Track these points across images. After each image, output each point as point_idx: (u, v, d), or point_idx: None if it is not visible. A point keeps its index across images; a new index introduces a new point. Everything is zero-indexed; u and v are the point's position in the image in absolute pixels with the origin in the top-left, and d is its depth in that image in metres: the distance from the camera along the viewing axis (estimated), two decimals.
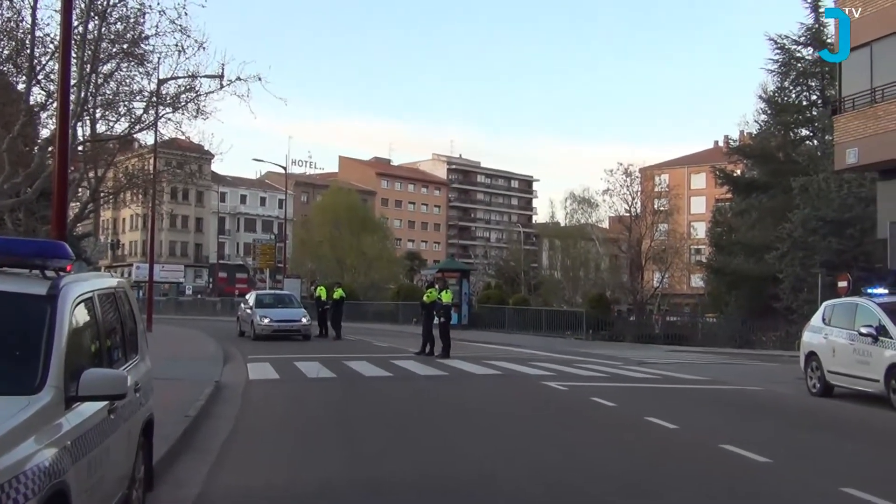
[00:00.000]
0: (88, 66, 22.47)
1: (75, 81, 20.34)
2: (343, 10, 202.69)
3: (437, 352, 25.80)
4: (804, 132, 51.92)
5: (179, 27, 23.31)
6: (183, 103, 26.06)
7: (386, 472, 9.67)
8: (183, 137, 29.24)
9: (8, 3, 21.92)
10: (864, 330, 16.39)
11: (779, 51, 50.25)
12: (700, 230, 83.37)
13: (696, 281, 73.05)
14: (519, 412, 15.02)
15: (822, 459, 10.95)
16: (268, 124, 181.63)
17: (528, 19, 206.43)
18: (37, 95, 23.10)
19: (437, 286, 27.25)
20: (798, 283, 38.69)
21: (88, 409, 5.47)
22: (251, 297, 37.97)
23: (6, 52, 22.21)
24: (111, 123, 26.50)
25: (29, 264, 6.00)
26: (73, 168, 21.35)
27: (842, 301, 19.37)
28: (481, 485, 9.15)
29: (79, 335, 5.79)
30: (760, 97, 52.06)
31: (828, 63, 44.65)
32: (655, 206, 68.08)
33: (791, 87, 50.95)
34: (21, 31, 21.94)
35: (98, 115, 25.82)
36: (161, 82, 26.36)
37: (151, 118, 27.02)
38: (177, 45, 23.87)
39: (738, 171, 55.62)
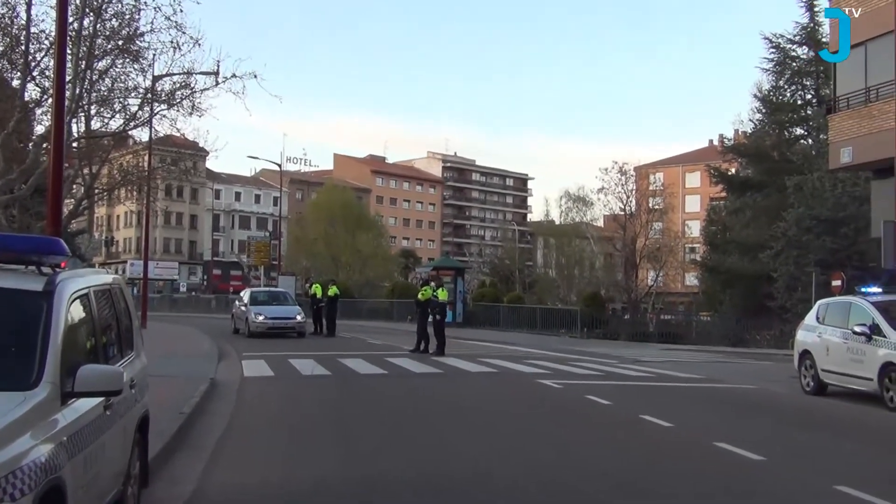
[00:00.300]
0: (83, 62, 22.45)
1: (70, 78, 20.30)
2: (339, 7, 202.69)
3: (431, 349, 25.82)
4: (799, 131, 52.04)
5: (175, 24, 23.32)
6: (178, 100, 26.05)
7: (381, 469, 9.68)
8: (178, 134, 29.23)
9: None
10: (857, 329, 16.43)
11: (774, 50, 50.38)
12: (695, 229, 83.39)
13: (691, 279, 73.17)
14: (514, 410, 15.03)
15: (816, 458, 10.98)
16: (263, 121, 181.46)
17: (525, 18, 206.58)
18: (31, 92, 23.10)
19: (431, 284, 27.28)
20: (792, 282, 38.77)
21: (84, 405, 5.48)
22: (246, 295, 37.99)
23: (1, 48, 22.17)
24: (106, 120, 26.47)
25: (25, 260, 6.01)
26: (67, 165, 21.28)
27: (836, 300, 19.41)
28: (476, 483, 9.15)
29: (75, 331, 5.80)
30: (755, 96, 52.21)
31: (823, 62, 44.74)
32: (650, 205, 68.20)
33: (786, 86, 51.07)
34: (16, 27, 21.92)
35: (93, 112, 25.80)
36: (156, 79, 26.33)
37: (146, 115, 27.03)
38: (172, 42, 23.88)
39: (733, 170, 55.67)
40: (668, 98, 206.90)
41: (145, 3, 23.45)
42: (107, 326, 6.81)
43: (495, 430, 12.67)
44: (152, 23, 23.58)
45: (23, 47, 21.36)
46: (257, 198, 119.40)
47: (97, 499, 5.79)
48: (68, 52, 18.11)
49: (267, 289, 47.11)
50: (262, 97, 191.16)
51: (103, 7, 23.04)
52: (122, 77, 25.18)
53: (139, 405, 7.30)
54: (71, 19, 19.26)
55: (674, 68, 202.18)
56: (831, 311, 18.25)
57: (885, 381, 15.58)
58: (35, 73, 22.13)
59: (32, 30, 21.64)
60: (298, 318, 34.48)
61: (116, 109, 25.92)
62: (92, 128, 26.35)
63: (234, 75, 24.49)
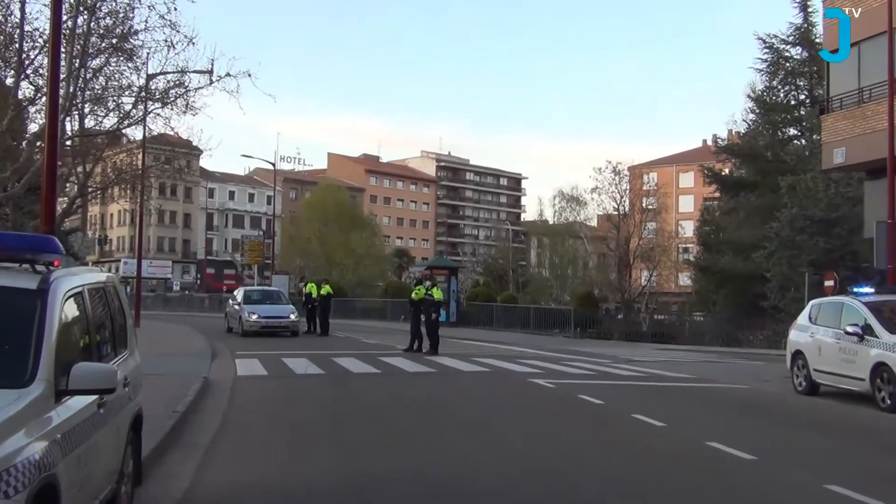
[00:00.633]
0: (77, 60, 22.42)
1: (64, 76, 20.28)
2: (333, 6, 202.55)
3: (425, 349, 25.83)
4: (792, 131, 52.13)
5: (169, 22, 23.32)
6: (172, 99, 26.03)
7: (374, 467, 9.69)
8: (171, 133, 29.18)
9: None
10: (849, 329, 16.46)
11: (767, 50, 50.47)
12: (688, 229, 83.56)
13: (684, 279, 73.25)
14: (506, 409, 15.05)
15: (808, 457, 11.01)
16: (257, 120, 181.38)
17: (519, 18, 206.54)
18: (25, 90, 23.06)
19: (425, 283, 27.29)
20: (785, 282, 38.85)
21: (78, 402, 5.50)
22: (239, 294, 37.95)
23: None
24: (100, 118, 26.42)
25: (19, 259, 6.01)
26: (61, 163, 21.27)
27: (828, 300, 19.47)
28: (469, 481, 9.18)
29: (69, 329, 5.81)
30: (749, 96, 52.29)
31: (816, 63, 44.87)
32: (644, 205, 68.29)
33: (779, 87, 51.15)
34: (9, 25, 21.91)
35: (87, 110, 25.76)
36: (150, 77, 26.32)
37: (140, 113, 26.96)
38: (166, 41, 23.89)
39: (727, 170, 55.79)
40: (661, 98, 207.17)
41: (140, 1, 23.47)
42: (100, 325, 6.83)
43: (488, 430, 12.70)
44: (146, 21, 23.63)
45: (16, 45, 21.34)
46: (251, 197, 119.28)
47: (91, 497, 5.80)
48: (62, 50, 18.12)
49: (260, 288, 47.09)
50: (256, 96, 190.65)
51: (97, 5, 23.03)
52: (116, 75, 25.17)
53: (133, 403, 7.31)
54: (65, 17, 19.20)
55: (668, 68, 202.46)
56: (824, 312, 18.29)
57: (876, 381, 15.62)
58: (29, 71, 22.11)
59: (26, 28, 21.67)
60: (292, 317, 34.46)
61: (110, 108, 25.89)
62: (86, 126, 26.32)
63: (228, 74, 24.51)
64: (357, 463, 9.94)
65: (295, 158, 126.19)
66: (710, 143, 79.26)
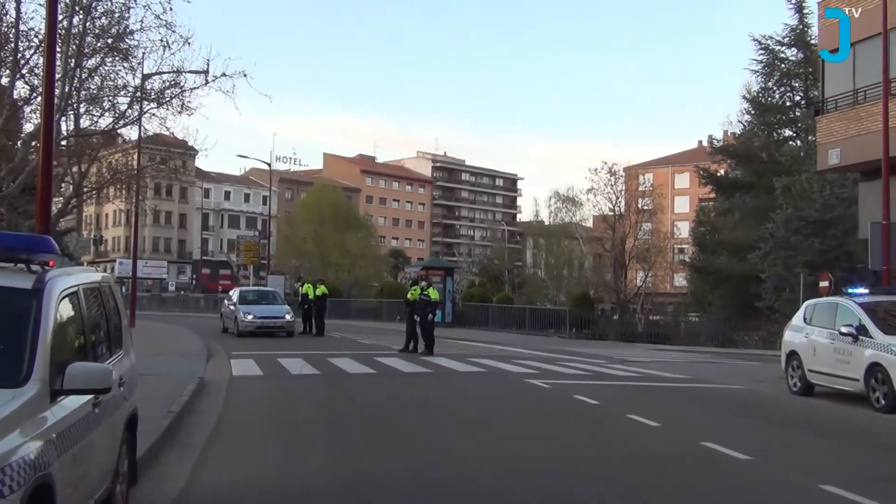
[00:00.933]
0: (73, 60, 22.41)
1: (59, 76, 20.26)
2: (329, 6, 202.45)
3: (420, 349, 25.84)
4: (787, 132, 52.19)
5: (164, 22, 23.32)
6: (167, 99, 26.01)
7: (370, 468, 9.69)
8: (167, 133, 29.18)
9: None
10: (844, 329, 16.49)
11: (763, 51, 50.55)
12: (683, 229, 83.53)
13: (680, 280, 73.25)
14: (502, 410, 15.06)
15: (802, 457, 11.03)
16: (252, 121, 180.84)
17: (515, 19, 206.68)
18: (20, 90, 23.05)
19: (421, 284, 27.30)
20: (780, 283, 38.87)
21: (73, 402, 5.50)
22: (235, 294, 37.96)
23: None
24: (95, 118, 26.41)
25: (14, 258, 6.00)
26: (56, 163, 21.24)
27: (823, 301, 19.48)
28: (464, 481, 9.18)
29: (64, 329, 5.81)
30: (744, 97, 52.33)
31: (811, 64, 44.97)
32: (639, 206, 68.25)
33: (775, 88, 51.22)
34: (5, 24, 21.88)
35: (82, 110, 25.74)
36: (146, 77, 26.30)
37: (136, 113, 26.96)
38: (162, 41, 23.87)
39: (722, 171, 55.81)
40: (657, 99, 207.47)
41: (135, 1, 23.44)
42: (96, 324, 6.82)
43: (484, 430, 12.70)
44: (142, 21, 23.57)
45: (12, 45, 21.32)
46: (247, 197, 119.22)
47: (86, 496, 5.80)
48: (58, 49, 18.09)
49: (256, 288, 47.06)
50: (251, 96, 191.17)
51: (93, 5, 23.01)
52: (112, 75, 25.16)
53: (128, 403, 7.31)
54: (60, 17, 19.22)
55: (663, 69, 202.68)
56: (818, 312, 18.32)
57: (871, 382, 15.66)
58: (24, 71, 22.09)
59: (21, 27, 21.63)
60: (287, 317, 34.46)
61: (106, 108, 25.89)
62: (81, 126, 26.30)
63: (223, 74, 24.51)
64: (354, 463, 9.94)
65: (291, 159, 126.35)
66: (705, 144, 79.45)
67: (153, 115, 27.07)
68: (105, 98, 25.57)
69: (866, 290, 17.74)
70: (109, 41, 23.85)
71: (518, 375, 20.35)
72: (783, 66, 50.68)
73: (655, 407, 15.10)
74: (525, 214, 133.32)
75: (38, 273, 5.85)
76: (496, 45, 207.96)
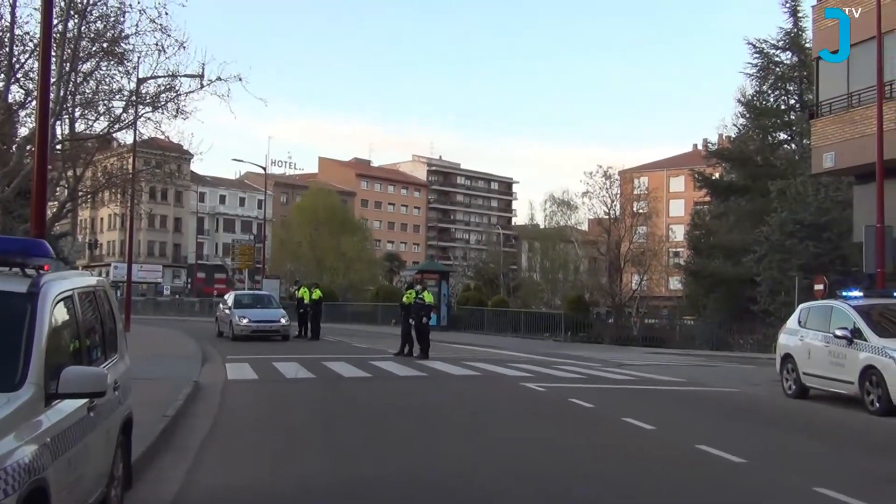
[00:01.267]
0: (68, 64, 22.37)
1: (54, 80, 20.22)
2: (325, 10, 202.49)
3: (416, 353, 25.84)
4: (782, 136, 52.30)
5: (159, 26, 23.31)
6: (162, 103, 25.97)
7: (365, 471, 9.70)
8: (162, 137, 29.10)
9: None
10: (838, 332, 16.52)
11: (757, 55, 50.69)
12: (679, 233, 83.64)
13: (675, 283, 73.34)
14: (497, 413, 15.07)
15: (797, 460, 11.05)
16: (248, 124, 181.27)
17: (511, 22, 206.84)
18: (15, 94, 23.01)
19: (416, 287, 27.31)
20: (775, 286, 38.92)
21: (68, 406, 5.50)
22: (230, 298, 37.91)
23: None
24: (90, 122, 26.37)
25: (9, 262, 6.01)
26: (51, 167, 21.22)
27: (817, 304, 19.52)
28: (461, 485, 9.18)
29: (59, 333, 5.81)
30: (739, 101, 52.45)
31: (806, 67, 45.05)
32: (634, 209, 68.20)
33: (769, 91, 51.34)
34: (0, 29, 21.83)
35: (77, 114, 25.70)
36: (141, 81, 26.26)
37: (131, 117, 26.90)
38: (157, 45, 23.86)
39: (717, 175, 55.91)
40: (652, 103, 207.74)
41: (130, 5, 23.44)
42: (90, 328, 6.82)
43: (479, 433, 12.70)
44: (137, 25, 23.58)
45: (7, 49, 21.28)
46: (242, 201, 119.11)
47: (80, 500, 5.79)
48: (53, 54, 18.07)
49: (251, 292, 47.01)
50: (247, 100, 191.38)
51: (88, 9, 22.98)
52: (107, 79, 25.11)
53: (123, 407, 7.30)
54: (55, 21, 19.19)
55: (658, 74, 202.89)
56: (813, 315, 18.34)
57: (865, 385, 15.68)
58: (19, 75, 22.07)
59: (17, 31, 21.59)
60: (282, 321, 34.45)
61: (101, 112, 25.83)
62: (76, 130, 26.26)
63: (218, 78, 24.48)
64: (349, 466, 9.94)
65: (286, 162, 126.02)
66: (700, 147, 79.57)
67: (148, 119, 27.04)
68: (100, 102, 25.54)
69: (861, 294, 17.76)
70: (104, 45, 23.84)
71: (513, 379, 20.37)
72: (778, 69, 50.80)
73: (650, 410, 15.11)
74: (520, 218, 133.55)
75: (34, 277, 5.85)
76: (491, 48, 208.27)
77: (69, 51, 22.33)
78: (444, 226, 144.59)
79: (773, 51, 50.63)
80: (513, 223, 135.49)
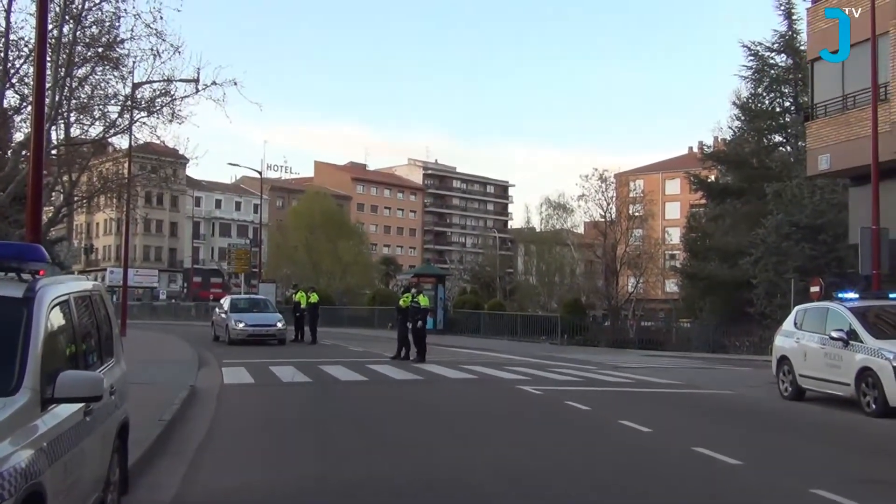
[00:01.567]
0: (63, 69, 22.36)
1: (49, 85, 20.22)
2: (319, 15, 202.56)
3: (412, 356, 25.84)
4: (777, 138, 52.36)
5: (155, 31, 23.26)
6: (158, 107, 25.90)
7: (362, 475, 9.69)
8: (158, 141, 29.07)
9: None
10: (834, 334, 16.54)
11: (752, 57, 50.77)
12: (675, 235, 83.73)
13: (671, 286, 73.44)
14: (494, 416, 15.06)
15: (793, 462, 11.06)
16: (243, 129, 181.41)
17: (506, 27, 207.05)
18: (10, 99, 22.94)
19: (412, 291, 27.32)
20: (771, 289, 38.94)
21: (64, 410, 5.49)
22: (226, 302, 37.88)
23: None
24: (85, 127, 26.29)
25: (5, 267, 6.01)
26: (46, 172, 21.18)
27: (813, 305, 19.53)
28: (457, 488, 9.19)
29: (55, 337, 5.81)
30: (734, 103, 52.53)
31: (801, 70, 45.13)
32: (630, 212, 68.39)
33: (764, 94, 51.42)
34: None
35: (72, 119, 25.62)
36: (136, 86, 26.21)
37: (126, 122, 26.84)
38: (152, 49, 23.79)
39: (713, 177, 55.97)
40: (648, 105, 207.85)
41: (125, 10, 23.41)
42: (87, 333, 6.82)
43: (476, 436, 12.70)
44: (132, 30, 23.51)
45: (2, 54, 21.25)
46: (238, 205, 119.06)
47: None
48: (48, 59, 18.06)
49: (247, 296, 46.97)
50: (242, 105, 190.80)
51: (83, 14, 22.94)
52: (102, 84, 25.06)
53: (119, 412, 7.30)
54: (50, 26, 19.15)
55: (653, 76, 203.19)
56: (809, 317, 18.37)
57: (861, 386, 15.71)
58: (14, 81, 22.02)
59: (11, 37, 21.55)
60: (279, 325, 34.42)
61: (96, 117, 25.78)
62: (71, 135, 26.20)
63: (214, 83, 24.42)
64: (345, 470, 9.94)
65: (281, 167, 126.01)
66: (695, 150, 79.46)
67: (144, 123, 26.97)
68: (95, 107, 25.49)
69: (857, 295, 17.80)
70: (100, 50, 23.80)
71: (510, 382, 20.38)
72: (773, 72, 50.89)
73: (647, 412, 15.13)
74: (516, 221, 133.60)
75: (29, 282, 5.85)
76: (486, 52, 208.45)
77: (64, 56, 22.31)
78: (441, 229, 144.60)
79: (767, 53, 50.76)
80: (509, 226, 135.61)
